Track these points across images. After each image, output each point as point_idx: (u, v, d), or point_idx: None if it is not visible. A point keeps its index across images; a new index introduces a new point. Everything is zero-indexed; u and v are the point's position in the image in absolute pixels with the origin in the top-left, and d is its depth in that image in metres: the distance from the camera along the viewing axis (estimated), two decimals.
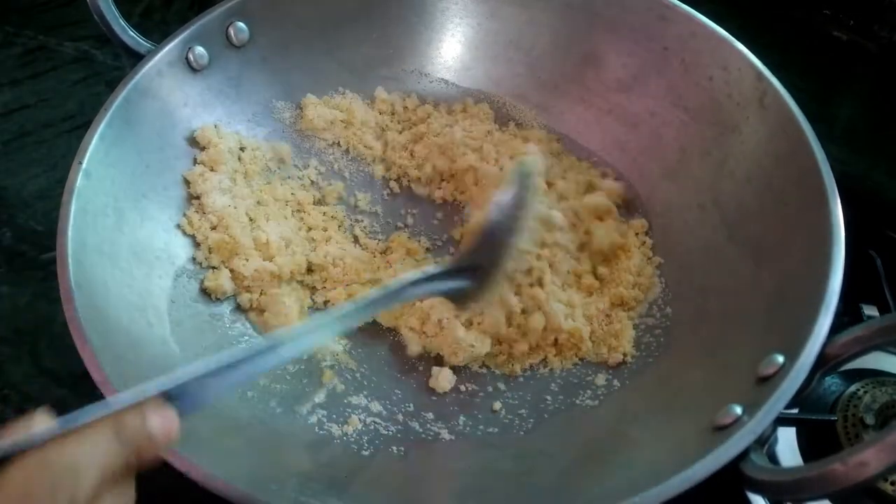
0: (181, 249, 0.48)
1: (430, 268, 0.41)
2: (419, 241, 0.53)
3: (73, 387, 0.49)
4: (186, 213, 0.49)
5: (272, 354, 0.32)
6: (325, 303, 0.49)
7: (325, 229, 0.52)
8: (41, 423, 0.24)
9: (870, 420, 0.44)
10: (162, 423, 0.26)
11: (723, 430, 0.34)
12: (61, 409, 0.48)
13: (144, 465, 0.26)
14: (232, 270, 0.48)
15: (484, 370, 0.47)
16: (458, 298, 0.43)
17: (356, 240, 0.53)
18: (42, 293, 0.54)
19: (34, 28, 0.71)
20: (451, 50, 0.59)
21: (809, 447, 0.45)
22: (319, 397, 0.44)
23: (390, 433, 0.43)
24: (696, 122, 0.51)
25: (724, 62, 0.49)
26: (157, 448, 0.26)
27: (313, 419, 0.43)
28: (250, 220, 0.50)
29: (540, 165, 0.48)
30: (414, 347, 0.47)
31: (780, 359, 0.35)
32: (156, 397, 0.27)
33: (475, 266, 0.43)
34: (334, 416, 0.44)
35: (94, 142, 0.43)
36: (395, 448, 0.42)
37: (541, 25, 0.57)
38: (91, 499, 0.23)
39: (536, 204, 0.47)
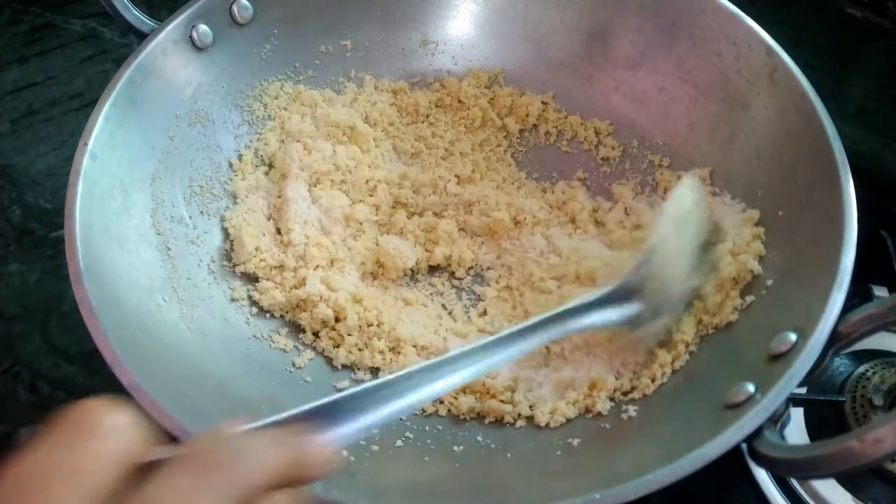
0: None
1: (593, 293, 0.39)
2: None
3: (83, 364, 0.49)
4: None
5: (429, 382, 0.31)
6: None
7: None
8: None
9: (878, 401, 0.44)
10: (323, 445, 0.26)
11: (735, 408, 0.34)
12: (72, 385, 0.49)
13: (300, 483, 0.25)
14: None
15: None
16: (633, 325, 0.41)
17: None
18: (52, 270, 0.54)
19: (41, 5, 0.70)
20: (456, 27, 0.58)
21: (817, 428, 0.45)
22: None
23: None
24: (704, 97, 0.51)
25: (733, 37, 0.49)
26: (317, 469, 0.25)
27: None
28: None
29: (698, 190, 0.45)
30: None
31: (793, 336, 0.35)
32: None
33: (642, 288, 0.41)
34: None
35: (98, 123, 0.43)
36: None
37: (548, 1, 0.56)
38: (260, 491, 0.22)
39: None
